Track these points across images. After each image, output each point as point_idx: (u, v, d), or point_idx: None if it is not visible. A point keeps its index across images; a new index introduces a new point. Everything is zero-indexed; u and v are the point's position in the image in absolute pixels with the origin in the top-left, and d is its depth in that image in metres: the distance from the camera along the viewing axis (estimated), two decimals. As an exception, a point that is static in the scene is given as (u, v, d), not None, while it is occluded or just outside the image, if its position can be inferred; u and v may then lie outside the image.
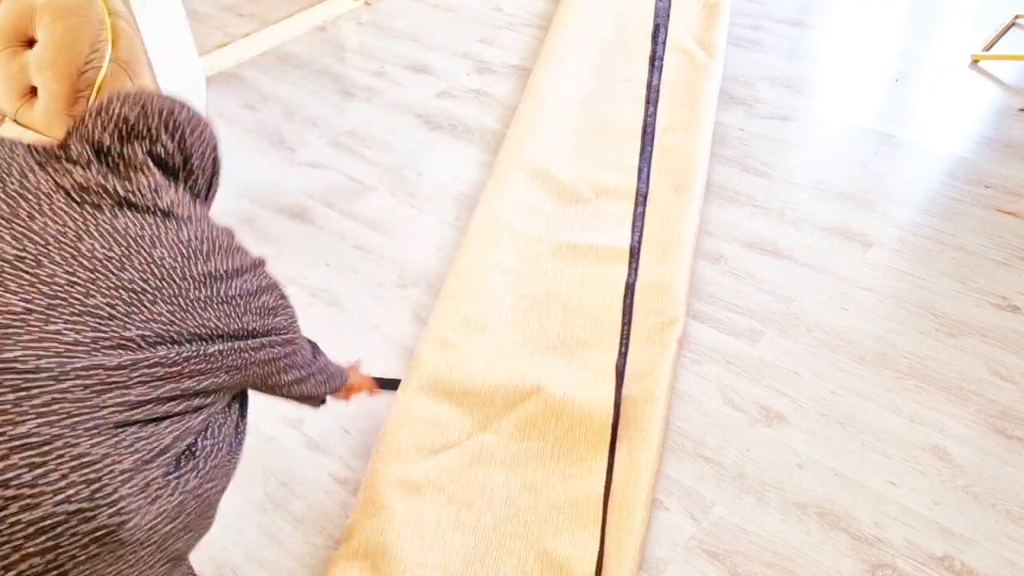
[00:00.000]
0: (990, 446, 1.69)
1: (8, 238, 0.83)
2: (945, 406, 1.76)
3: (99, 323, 0.83)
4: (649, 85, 2.73)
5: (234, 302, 0.97)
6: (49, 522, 0.78)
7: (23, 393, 0.78)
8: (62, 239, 0.85)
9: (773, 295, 2.04)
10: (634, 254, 2.10)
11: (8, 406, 0.77)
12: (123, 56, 1.70)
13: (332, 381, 1.35)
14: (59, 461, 0.79)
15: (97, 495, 0.81)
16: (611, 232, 2.18)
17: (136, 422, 0.86)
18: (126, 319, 0.85)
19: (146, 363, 0.86)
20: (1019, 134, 2.55)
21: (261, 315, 1.02)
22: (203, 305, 0.93)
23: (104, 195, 0.90)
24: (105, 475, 0.82)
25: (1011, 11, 3.10)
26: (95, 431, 0.81)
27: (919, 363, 1.86)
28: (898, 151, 2.51)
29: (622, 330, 1.90)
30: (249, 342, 1.00)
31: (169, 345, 0.88)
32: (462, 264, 2.08)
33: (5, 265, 0.82)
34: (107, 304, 0.84)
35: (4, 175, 0.88)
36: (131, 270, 0.87)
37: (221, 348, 0.95)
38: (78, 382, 0.81)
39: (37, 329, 0.80)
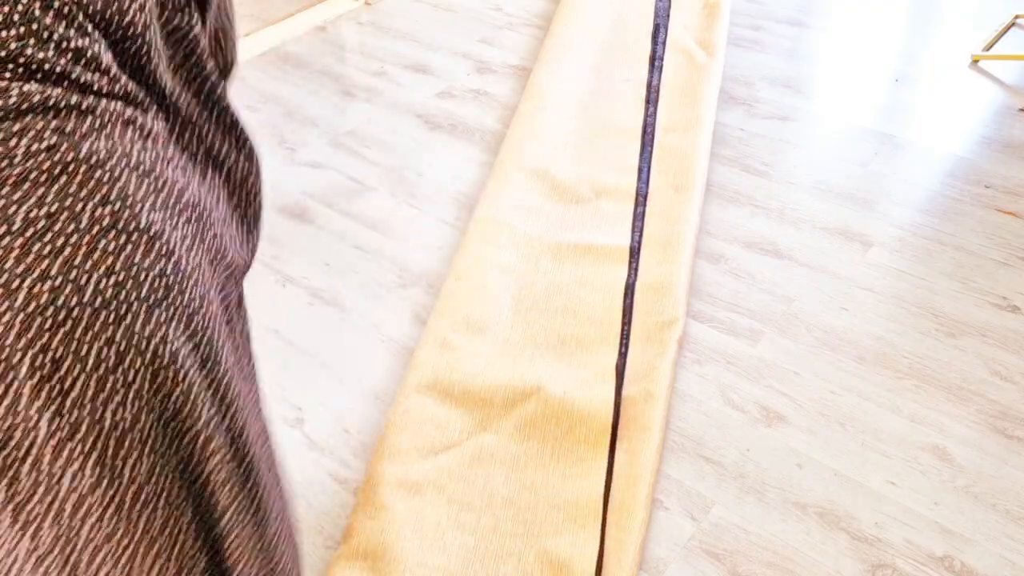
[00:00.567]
0: (990, 446, 1.69)
1: None
2: (945, 406, 1.76)
3: None
4: (649, 85, 2.73)
5: None
6: None
7: None
8: None
9: (773, 295, 2.04)
10: (634, 254, 2.10)
11: None
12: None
13: None
14: None
15: None
16: (611, 232, 2.18)
17: None
18: None
19: None
20: (1019, 134, 2.55)
21: None
22: None
23: None
24: None
25: (1011, 11, 3.10)
26: None
27: (919, 363, 1.86)
28: (898, 151, 2.51)
29: (622, 330, 1.90)
30: None
31: None
32: (462, 264, 2.08)
33: None
34: None
35: None
36: None
37: None
38: None
39: None
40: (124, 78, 0.68)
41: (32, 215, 0.61)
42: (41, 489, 0.66)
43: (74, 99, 0.64)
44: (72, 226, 0.62)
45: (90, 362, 0.65)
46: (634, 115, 2.61)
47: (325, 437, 1.76)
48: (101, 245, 0.64)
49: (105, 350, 0.65)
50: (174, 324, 0.69)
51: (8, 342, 0.61)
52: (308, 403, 1.83)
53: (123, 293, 0.65)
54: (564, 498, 1.58)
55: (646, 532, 1.54)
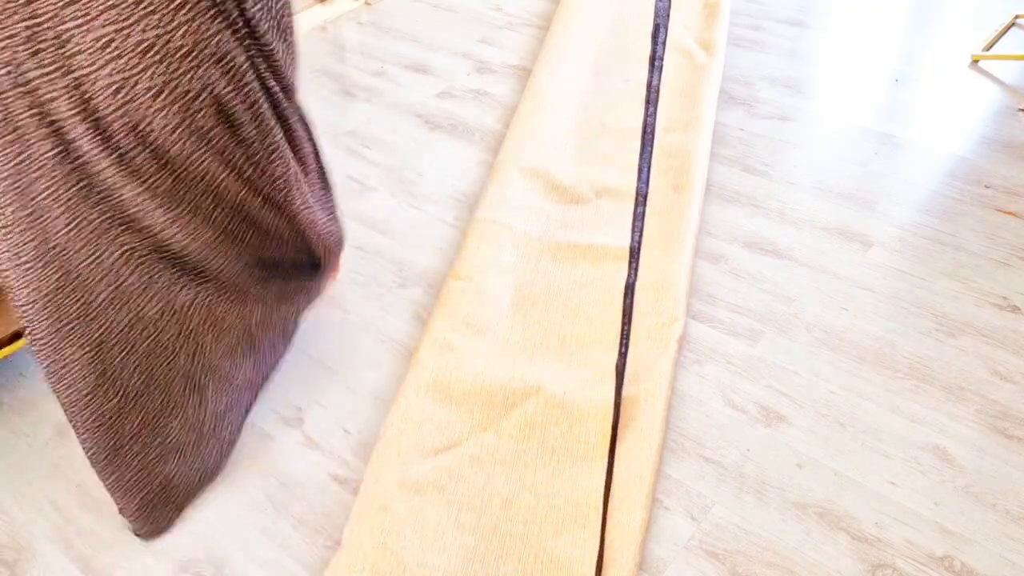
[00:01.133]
0: (990, 446, 1.69)
1: None
2: (945, 406, 1.76)
3: None
4: (649, 85, 2.72)
5: None
6: None
7: None
8: None
9: (773, 295, 2.04)
10: (634, 254, 2.10)
11: None
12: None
13: None
14: None
15: None
16: (611, 232, 2.18)
17: None
18: None
19: None
20: (1019, 134, 2.55)
21: None
22: None
23: None
24: None
25: (1011, 11, 3.10)
26: None
27: (919, 363, 1.86)
28: (898, 151, 2.51)
29: (622, 330, 1.90)
30: None
31: None
32: (462, 264, 2.08)
33: None
34: None
35: None
36: None
37: None
38: None
39: None
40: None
41: None
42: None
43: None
44: None
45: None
46: (634, 115, 2.62)
47: (325, 437, 1.76)
48: None
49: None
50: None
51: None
52: (308, 403, 1.83)
53: None
54: (564, 498, 1.59)
55: (646, 532, 1.54)
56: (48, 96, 1.03)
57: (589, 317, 1.95)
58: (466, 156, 2.57)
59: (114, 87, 1.04)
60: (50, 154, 1.06)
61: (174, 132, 1.11)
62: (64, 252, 1.12)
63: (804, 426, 1.74)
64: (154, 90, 1.06)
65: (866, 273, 2.09)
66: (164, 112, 1.08)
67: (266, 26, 1.16)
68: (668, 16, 3.16)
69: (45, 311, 1.13)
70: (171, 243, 1.23)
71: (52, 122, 1.04)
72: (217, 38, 1.09)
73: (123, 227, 1.17)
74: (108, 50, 1.01)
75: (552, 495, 1.59)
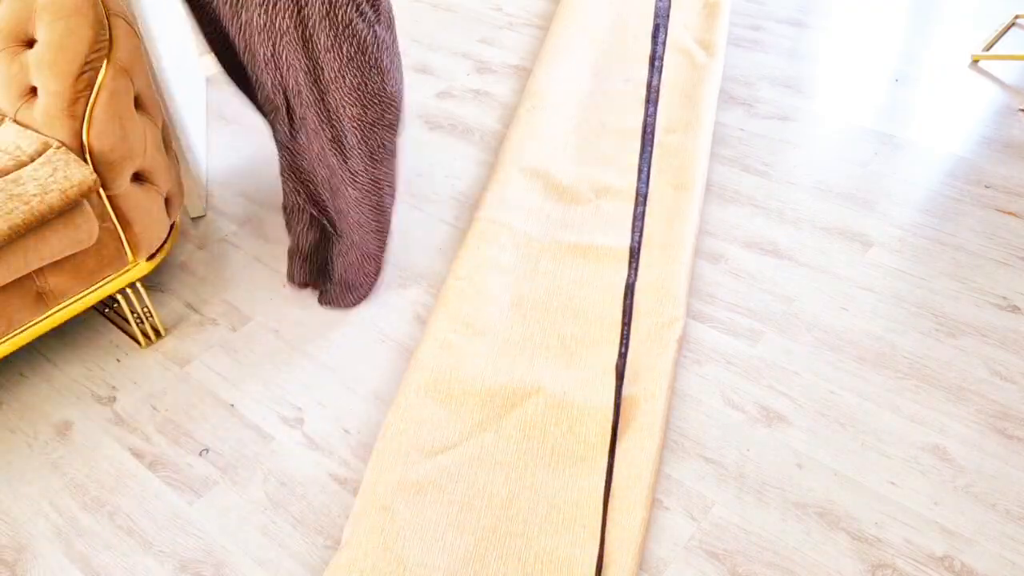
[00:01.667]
0: (990, 446, 1.69)
1: None
2: (945, 406, 1.76)
3: None
4: (649, 85, 2.72)
5: None
6: None
7: None
8: None
9: (773, 295, 2.04)
10: (634, 254, 2.10)
11: None
12: (123, 56, 1.70)
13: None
14: None
15: None
16: (611, 232, 2.18)
17: None
18: None
19: None
20: (1019, 134, 2.55)
21: None
22: None
23: None
24: None
25: (1011, 11, 3.10)
26: None
27: (919, 363, 1.86)
28: (898, 151, 2.51)
29: (622, 330, 1.90)
30: None
31: None
32: (462, 264, 2.08)
33: None
34: None
35: None
36: None
37: None
38: None
39: None
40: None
41: None
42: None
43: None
44: None
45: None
46: (634, 115, 2.61)
47: (325, 437, 1.76)
48: None
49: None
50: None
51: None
52: (308, 403, 1.83)
53: None
54: (564, 498, 1.59)
55: (646, 532, 1.54)
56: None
57: (589, 317, 1.95)
58: (466, 156, 2.57)
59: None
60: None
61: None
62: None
63: (804, 426, 1.74)
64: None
65: (866, 273, 2.09)
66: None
67: None
68: (668, 16, 3.16)
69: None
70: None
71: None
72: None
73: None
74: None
75: (552, 495, 1.59)
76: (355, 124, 1.79)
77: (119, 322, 2.02)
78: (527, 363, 1.84)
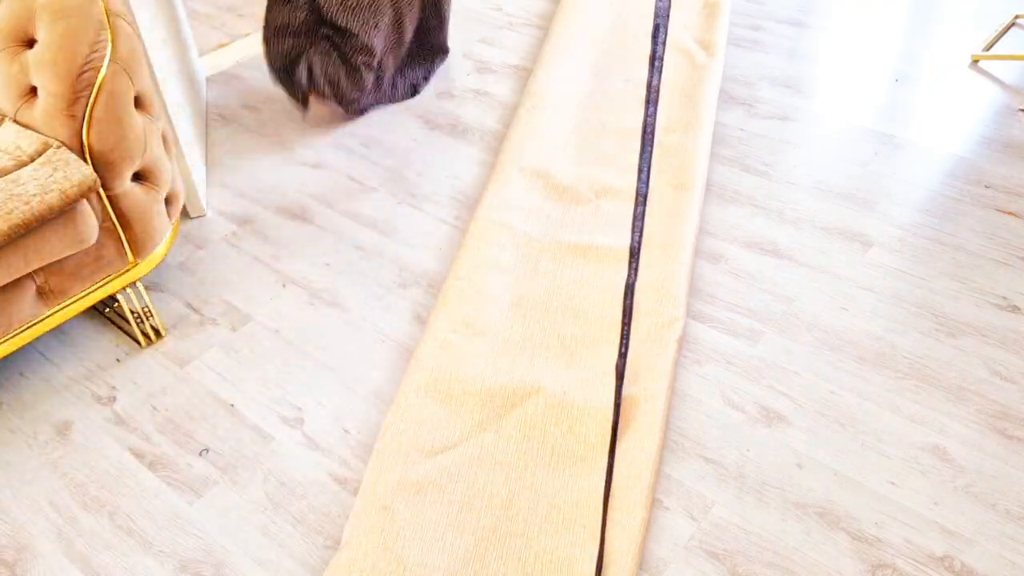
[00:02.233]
0: (990, 446, 1.69)
1: None
2: (945, 406, 1.76)
3: None
4: (649, 85, 2.72)
5: None
6: None
7: None
8: None
9: (773, 295, 2.04)
10: (634, 254, 2.10)
11: None
12: (123, 56, 1.70)
13: None
14: None
15: None
16: (611, 232, 2.18)
17: None
18: None
19: None
20: (1019, 134, 2.55)
21: None
22: None
23: None
24: None
25: (1011, 11, 3.10)
26: None
27: (919, 363, 1.86)
28: (898, 151, 2.51)
29: (622, 330, 1.90)
30: None
31: None
32: (462, 264, 2.08)
33: None
34: None
35: None
36: None
37: None
38: None
39: None
40: None
41: None
42: None
43: None
44: None
45: None
46: (634, 115, 2.61)
47: (325, 437, 1.76)
48: None
49: None
50: None
51: None
52: (308, 403, 1.83)
53: None
54: (564, 498, 1.59)
55: (646, 532, 1.54)
56: None
57: (589, 317, 1.95)
58: (466, 156, 2.57)
59: None
60: None
61: None
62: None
63: (804, 426, 1.74)
64: None
65: (866, 273, 2.09)
66: None
67: None
68: (668, 16, 3.16)
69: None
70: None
71: None
72: None
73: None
74: None
75: (552, 495, 1.59)
76: None
77: (119, 322, 2.02)
78: (527, 363, 1.84)
